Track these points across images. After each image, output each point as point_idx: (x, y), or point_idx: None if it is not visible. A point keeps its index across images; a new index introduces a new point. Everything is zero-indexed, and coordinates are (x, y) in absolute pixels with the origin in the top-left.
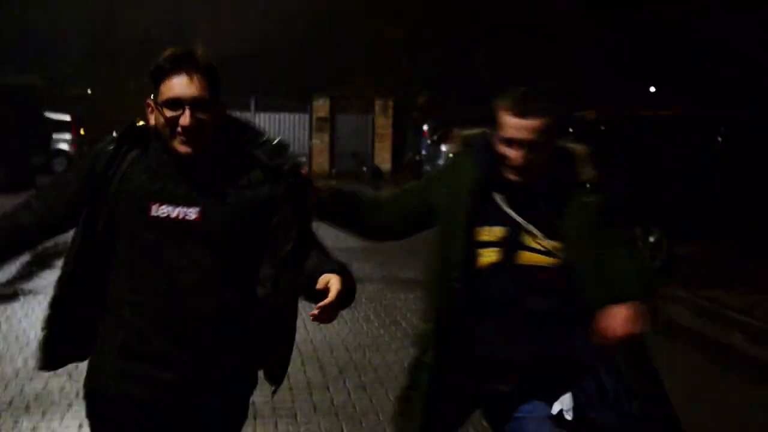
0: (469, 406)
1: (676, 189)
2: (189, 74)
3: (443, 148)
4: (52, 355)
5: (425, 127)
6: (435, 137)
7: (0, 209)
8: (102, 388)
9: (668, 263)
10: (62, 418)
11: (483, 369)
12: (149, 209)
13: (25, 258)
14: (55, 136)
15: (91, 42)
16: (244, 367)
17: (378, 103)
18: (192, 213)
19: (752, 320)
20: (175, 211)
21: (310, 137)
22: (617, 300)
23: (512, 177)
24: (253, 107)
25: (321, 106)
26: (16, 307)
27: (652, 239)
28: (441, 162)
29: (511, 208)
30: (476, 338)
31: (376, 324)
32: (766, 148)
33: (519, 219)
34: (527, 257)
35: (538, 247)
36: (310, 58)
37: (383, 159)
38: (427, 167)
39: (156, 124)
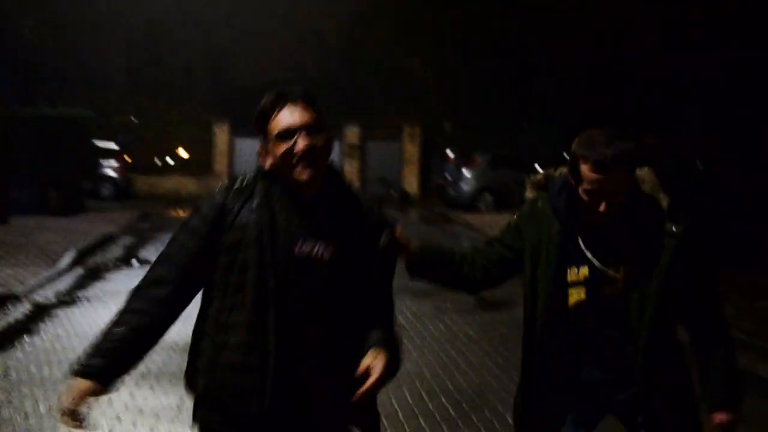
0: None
1: None
2: (293, 105)
3: (465, 172)
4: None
5: (449, 153)
6: (457, 162)
7: (54, 231)
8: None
9: None
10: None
11: (577, 388)
12: (288, 248)
13: (79, 271)
14: (102, 163)
15: (135, 73)
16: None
17: (406, 131)
18: (326, 251)
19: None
20: (311, 249)
21: (341, 163)
22: (710, 403)
23: (593, 219)
24: None
25: (352, 134)
26: (75, 312)
27: None
28: (464, 185)
29: (592, 247)
30: (567, 365)
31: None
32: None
33: (596, 262)
34: (608, 291)
35: (617, 279)
36: (340, 88)
37: (411, 183)
38: (451, 191)
39: (272, 165)
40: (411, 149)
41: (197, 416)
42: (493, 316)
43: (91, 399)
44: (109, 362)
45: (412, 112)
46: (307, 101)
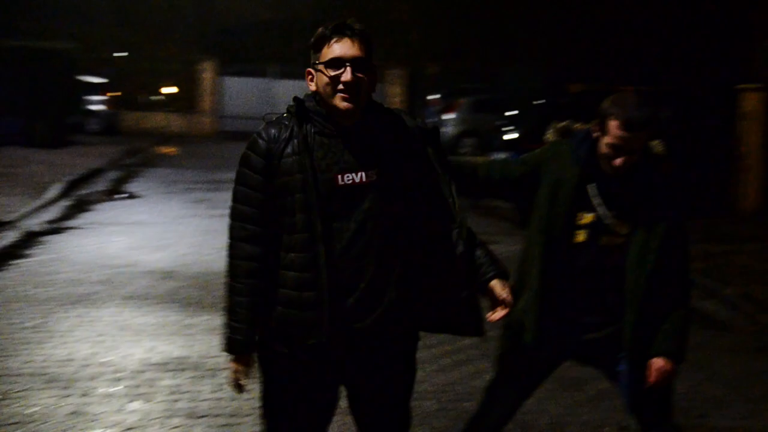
0: (563, 354)
1: None
2: (349, 38)
3: (446, 116)
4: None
5: (429, 97)
6: (439, 106)
7: (41, 163)
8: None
9: None
10: (100, 308)
11: (573, 326)
12: (336, 180)
13: (66, 202)
14: (88, 97)
15: (120, 7)
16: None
17: (391, 73)
18: (369, 177)
19: None
20: (358, 176)
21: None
22: (656, 350)
23: (609, 171)
24: (276, 75)
25: None
26: (63, 239)
27: None
28: (446, 129)
29: (602, 197)
30: (567, 300)
31: None
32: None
33: (602, 211)
34: (607, 240)
35: (618, 231)
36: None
37: None
38: None
39: (317, 87)
40: (395, 91)
41: (264, 346)
42: None
43: (250, 370)
44: (248, 333)
45: (396, 54)
46: (362, 38)
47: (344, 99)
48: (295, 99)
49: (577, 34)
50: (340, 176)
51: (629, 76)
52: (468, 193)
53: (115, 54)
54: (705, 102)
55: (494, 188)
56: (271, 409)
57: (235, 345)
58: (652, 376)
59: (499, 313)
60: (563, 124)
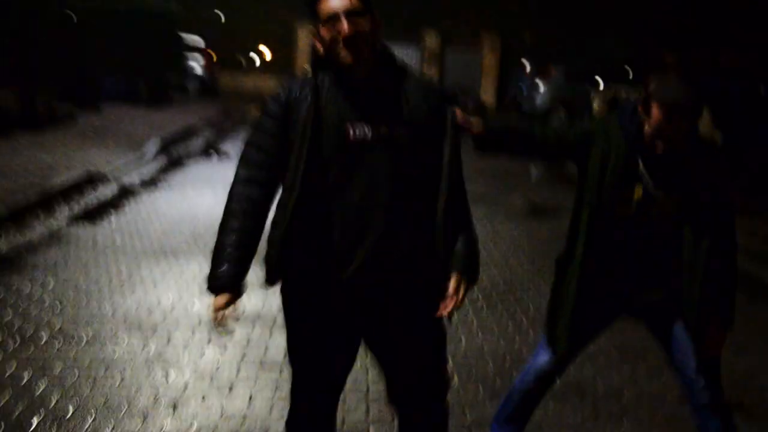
0: (610, 316)
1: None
2: None
3: (539, 83)
4: (280, 272)
5: (525, 63)
6: (533, 74)
7: (141, 120)
8: (302, 286)
9: None
10: (188, 260)
11: (621, 293)
12: (347, 133)
13: (162, 158)
14: (188, 57)
15: None
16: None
17: (486, 40)
18: (383, 129)
19: None
20: (369, 130)
21: (420, 70)
22: (715, 320)
23: (654, 151)
24: None
25: (431, 40)
26: (157, 194)
27: None
28: (538, 98)
29: (650, 170)
30: (615, 271)
31: None
32: None
33: (651, 185)
34: (655, 212)
35: (666, 204)
36: None
37: (489, 94)
38: (525, 103)
39: (324, 49)
40: (490, 59)
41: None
42: (539, 223)
43: (231, 308)
44: (232, 270)
45: (492, 20)
46: None
47: (345, 53)
48: (313, 54)
49: (668, 4)
50: (351, 130)
51: (722, 45)
52: (531, 154)
53: (215, 14)
54: None
55: (551, 150)
56: (291, 354)
57: (215, 283)
58: (714, 344)
59: (443, 309)
60: (611, 94)
